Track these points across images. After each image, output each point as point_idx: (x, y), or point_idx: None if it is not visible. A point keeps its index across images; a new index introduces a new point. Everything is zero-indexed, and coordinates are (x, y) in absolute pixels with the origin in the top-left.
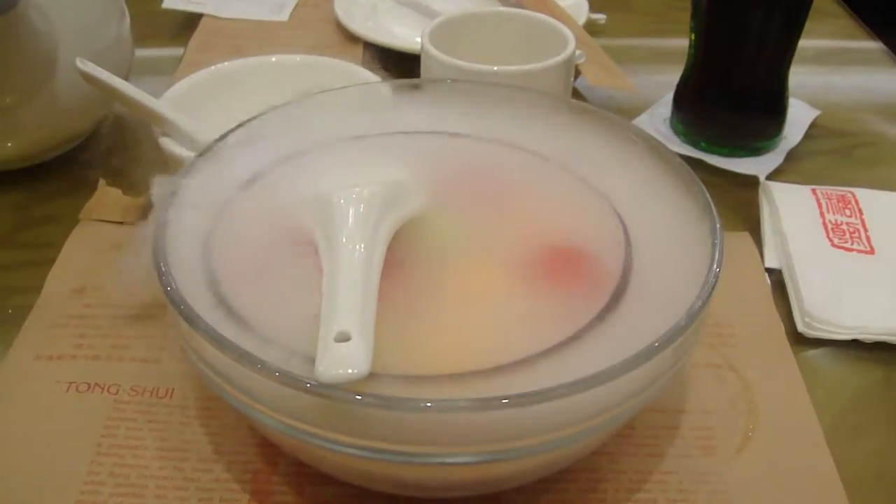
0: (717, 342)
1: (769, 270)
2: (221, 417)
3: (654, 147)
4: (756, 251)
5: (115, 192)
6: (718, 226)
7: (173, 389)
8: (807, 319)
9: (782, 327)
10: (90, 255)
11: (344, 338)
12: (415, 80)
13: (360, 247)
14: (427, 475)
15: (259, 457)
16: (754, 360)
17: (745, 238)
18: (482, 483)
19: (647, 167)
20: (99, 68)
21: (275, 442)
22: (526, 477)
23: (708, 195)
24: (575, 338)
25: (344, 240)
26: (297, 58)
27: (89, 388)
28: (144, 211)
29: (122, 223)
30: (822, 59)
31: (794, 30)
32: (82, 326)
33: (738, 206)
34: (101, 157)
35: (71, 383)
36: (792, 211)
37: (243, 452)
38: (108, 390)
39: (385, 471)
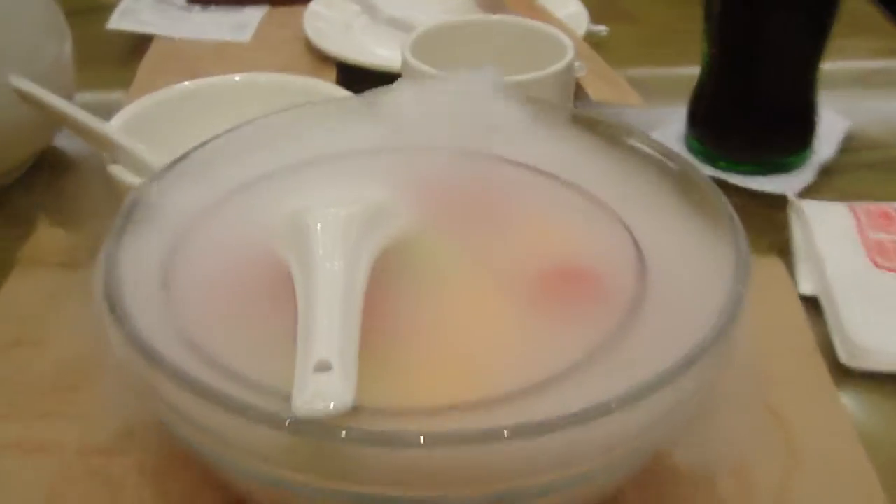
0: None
1: (804, 298)
2: (183, 478)
3: (665, 155)
4: (788, 277)
5: (56, 232)
6: (742, 237)
7: (127, 448)
8: (850, 349)
9: (822, 359)
10: (29, 303)
11: (324, 367)
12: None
13: (338, 265)
14: None
15: None
16: (792, 397)
17: (775, 263)
18: None
19: (659, 178)
20: (37, 87)
21: (247, 497)
22: None
23: (729, 204)
24: (583, 364)
25: (320, 257)
26: (263, 76)
27: (30, 450)
28: (90, 252)
29: (64, 266)
30: (855, 66)
31: (822, 27)
32: (19, 383)
33: (766, 228)
34: (40, 192)
35: (9, 445)
36: (828, 230)
37: None
38: (52, 451)
39: None
